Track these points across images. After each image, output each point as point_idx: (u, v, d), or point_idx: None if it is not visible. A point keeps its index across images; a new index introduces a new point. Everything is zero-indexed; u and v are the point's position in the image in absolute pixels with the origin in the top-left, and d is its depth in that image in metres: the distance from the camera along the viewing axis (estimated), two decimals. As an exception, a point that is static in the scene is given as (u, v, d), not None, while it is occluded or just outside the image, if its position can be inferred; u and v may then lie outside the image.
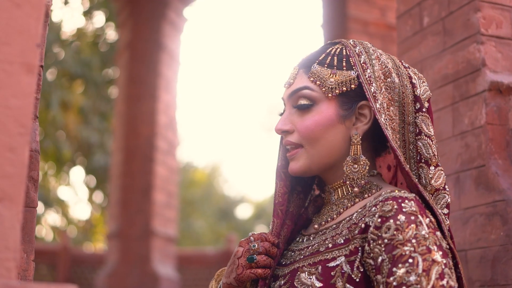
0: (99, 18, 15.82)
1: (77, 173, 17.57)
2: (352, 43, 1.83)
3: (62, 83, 14.43)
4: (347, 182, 1.77)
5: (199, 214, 22.33)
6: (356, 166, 1.76)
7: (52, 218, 18.19)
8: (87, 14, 15.68)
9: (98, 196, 17.62)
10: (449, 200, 1.78)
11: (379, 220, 1.58)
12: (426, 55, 2.82)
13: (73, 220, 19.48)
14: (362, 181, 1.76)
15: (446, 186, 1.79)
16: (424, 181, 1.78)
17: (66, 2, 15.37)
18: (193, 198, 22.78)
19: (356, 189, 1.76)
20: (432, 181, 1.78)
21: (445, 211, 1.78)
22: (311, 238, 1.82)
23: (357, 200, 1.78)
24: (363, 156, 1.76)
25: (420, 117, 1.80)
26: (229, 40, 44.20)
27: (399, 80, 1.80)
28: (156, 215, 7.89)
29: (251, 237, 1.81)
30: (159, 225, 7.93)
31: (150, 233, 7.79)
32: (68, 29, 15.66)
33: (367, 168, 1.76)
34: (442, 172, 1.79)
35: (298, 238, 1.89)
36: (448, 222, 1.75)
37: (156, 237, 7.84)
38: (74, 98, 14.61)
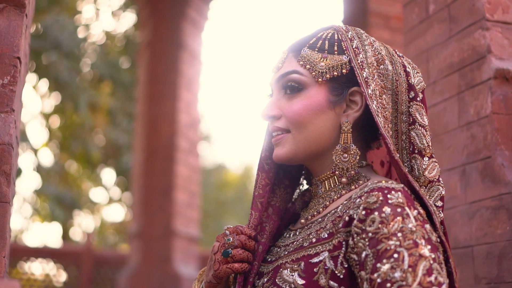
0: (127, 19, 15.93)
1: (109, 174, 17.68)
2: (344, 28, 1.76)
3: (91, 84, 14.54)
4: (336, 172, 1.69)
5: (231, 215, 22.39)
6: (346, 155, 1.68)
7: (84, 220, 18.34)
8: (115, 15, 15.79)
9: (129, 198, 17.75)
10: (443, 193, 1.70)
11: (364, 212, 1.50)
12: (432, 44, 2.72)
13: (106, 222, 19.64)
14: (352, 172, 1.68)
15: (440, 178, 1.70)
16: (417, 173, 1.69)
17: (95, 2, 15.51)
18: (225, 199, 22.86)
19: (344, 179, 1.68)
20: (426, 172, 1.69)
21: (439, 203, 1.69)
22: (297, 233, 1.74)
23: (343, 192, 1.70)
24: (353, 145, 1.68)
25: (414, 106, 1.73)
26: (255, 37, 44.27)
27: (393, 68, 1.73)
28: (177, 215, 7.84)
29: (226, 231, 1.74)
30: (180, 225, 7.88)
31: (171, 233, 7.74)
32: (96, 31, 15.78)
33: (358, 158, 1.68)
34: (436, 164, 1.71)
35: (285, 234, 1.82)
36: (442, 215, 1.66)
37: (178, 237, 7.80)
38: (102, 100, 14.70)
